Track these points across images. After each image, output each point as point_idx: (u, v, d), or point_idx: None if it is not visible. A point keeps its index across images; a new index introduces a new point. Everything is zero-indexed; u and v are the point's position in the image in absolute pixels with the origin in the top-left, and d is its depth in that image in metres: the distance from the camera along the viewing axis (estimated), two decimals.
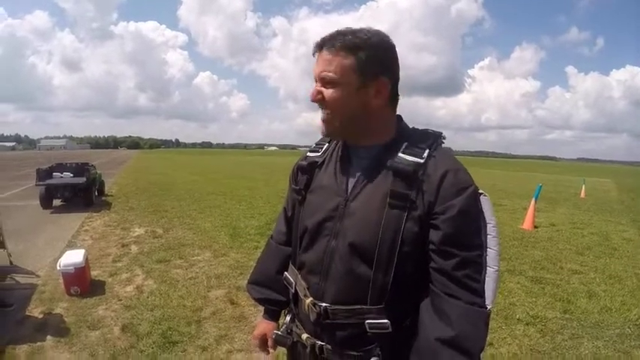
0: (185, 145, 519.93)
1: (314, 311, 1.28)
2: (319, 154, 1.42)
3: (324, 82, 1.20)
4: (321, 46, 1.20)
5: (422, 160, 1.17)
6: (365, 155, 1.28)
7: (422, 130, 1.31)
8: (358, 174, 1.26)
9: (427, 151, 1.19)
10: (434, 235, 1.14)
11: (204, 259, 6.35)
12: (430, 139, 1.24)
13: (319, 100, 1.22)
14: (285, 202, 1.60)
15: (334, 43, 1.17)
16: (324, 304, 1.26)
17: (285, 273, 1.47)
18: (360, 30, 1.18)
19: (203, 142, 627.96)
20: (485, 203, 1.21)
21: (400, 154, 1.19)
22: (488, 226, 1.20)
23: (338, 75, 1.17)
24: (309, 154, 1.45)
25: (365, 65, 1.17)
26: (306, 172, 1.40)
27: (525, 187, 21.91)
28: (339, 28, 1.21)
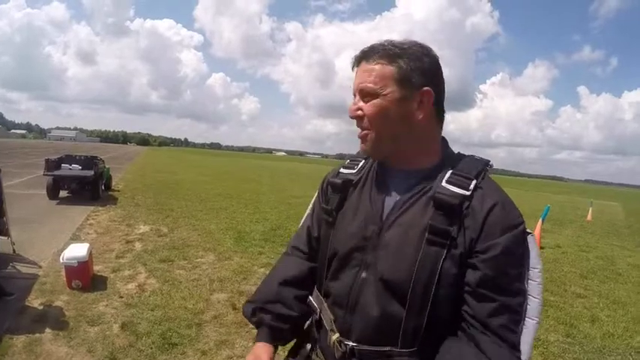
0: (194, 145, 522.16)
1: (339, 350, 1.15)
2: (354, 171, 1.29)
3: (363, 94, 1.11)
4: (360, 58, 1.13)
5: (468, 193, 1.06)
6: (405, 180, 1.16)
7: (469, 156, 1.18)
8: (396, 201, 1.14)
9: (474, 181, 1.08)
10: (471, 276, 1.02)
11: (207, 262, 6.33)
12: (478, 167, 1.12)
13: (358, 115, 1.13)
14: (310, 218, 1.42)
15: (373, 54, 1.10)
16: (350, 344, 1.12)
17: (310, 297, 1.31)
18: (402, 41, 1.12)
19: (212, 143, 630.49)
20: (532, 244, 1.10)
21: (444, 184, 1.08)
22: (534, 271, 1.08)
23: (378, 85, 1.08)
24: (342, 170, 1.32)
25: (406, 74, 1.08)
26: (339, 191, 1.26)
27: (532, 207, 21.80)
28: (378, 41, 1.13)
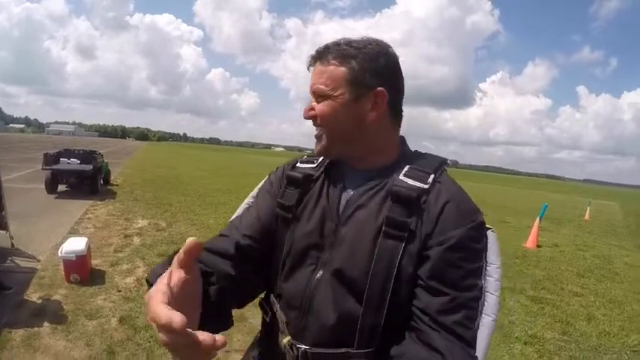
0: (193, 140, 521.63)
1: (291, 353, 1.08)
2: (314, 166, 1.23)
3: (316, 95, 1.09)
4: (314, 59, 1.11)
5: (426, 186, 1.02)
6: (361, 177, 1.12)
7: (427, 153, 1.16)
8: (351, 196, 1.10)
9: (432, 176, 1.05)
10: (423, 269, 0.97)
11: None
12: (435, 163, 1.10)
13: (311, 116, 1.10)
14: (254, 210, 1.25)
15: (327, 54, 1.08)
16: (303, 347, 1.06)
17: (262, 298, 1.25)
18: (357, 39, 1.08)
19: (211, 138, 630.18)
20: (492, 240, 1.07)
21: (402, 177, 1.05)
22: (492, 267, 1.05)
23: (329, 87, 1.06)
24: (300, 164, 1.26)
25: (358, 74, 1.05)
26: (298, 186, 1.19)
27: (530, 205, 21.84)
28: (335, 39, 1.10)
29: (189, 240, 0.71)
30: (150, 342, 3.57)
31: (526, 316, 5.05)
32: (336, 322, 1.02)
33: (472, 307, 0.96)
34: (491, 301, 1.03)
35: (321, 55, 1.09)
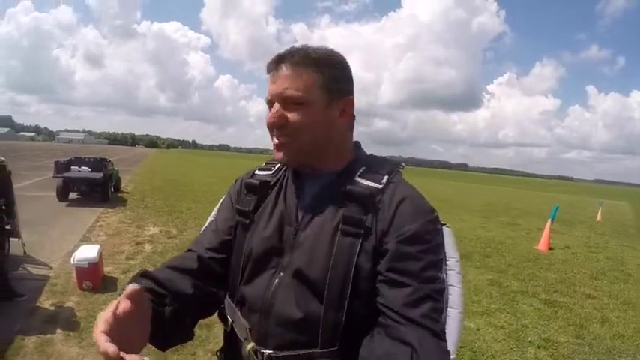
0: (202, 147, 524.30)
1: (255, 359, 1.06)
2: (270, 172, 1.24)
3: (286, 101, 1.04)
4: (279, 62, 1.06)
5: (380, 186, 1.05)
6: (318, 181, 1.13)
7: (381, 157, 1.19)
8: (309, 200, 1.12)
9: (386, 177, 1.07)
10: (382, 263, 0.98)
11: None
12: (389, 166, 1.13)
13: (280, 124, 1.05)
14: (213, 223, 1.30)
15: (297, 58, 1.04)
16: (267, 351, 1.04)
17: (223, 307, 1.22)
18: (319, 47, 1.08)
19: (220, 145, 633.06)
20: (448, 235, 1.09)
21: (357, 179, 1.07)
22: (451, 260, 1.07)
23: (303, 92, 1.03)
24: (258, 172, 1.27)
25: (330, 81, 1.05)
26: (255, 193, 1.20)
27: (540, 207, 21.70)
28: (294, 46, 1.09)
29: (130, 287, 0.81)
30: None
31: (539, 319, 5.01)
32: (298, 323, 1.01)
33: (437, 299, 0.95)
34: (455, 293, 1.04)
35: (288, 59, 1.05)
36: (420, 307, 0.91)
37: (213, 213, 1.37)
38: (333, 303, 0.98)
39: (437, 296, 0.95)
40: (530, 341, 4.33)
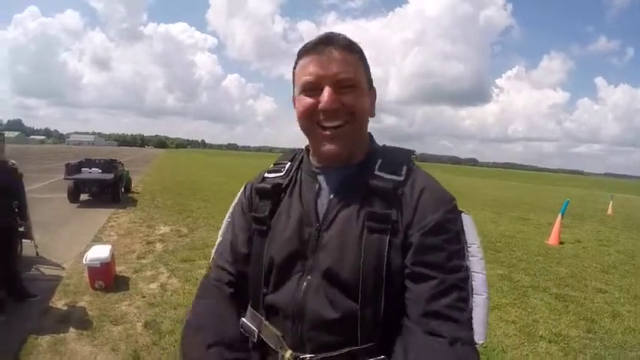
0: (211, 146, 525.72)
1: None
2: (281, 174, 1.20)
3: (339, 85, 1.01)
4: (325, 45, 1.02)
5: (401, 178, 1.04)
6: (335, 177, 1.10)
7: (394, 147, 1.17)
8: (330, 198, 1.08)
9: (405, 167, 1.06)
10: (407, 258, 0.98)
11: None
12: (405, 155, 1.12)
13: (338, 108, 1.01)
14: (230, 231, 1.25)
15: (342, 42, 1.02)
16: (308, 356, 1.01)
17: (243, 319, 1.14)
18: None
19: (229, 144, 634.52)
20: (468, 222, 1.07)
21: (376, 172, 1.05)
22: (473, 247, 1.04)
23: (356, 76, 1.02)
24: (267, 175, 1.22)
25: (368, 71, 1.08)
26: (268, 197, 1.16)
27: (551, 202, 21.55)
28: (327, 32, 1.06)
29: None
30: (175, 346, 3.60)
31: (550, 314, 5.00)
32: (334, 324, 0.99)
33: (462, 288, 0.96)
34: (479, 280, 1.02)
35: (335, 43, 1.03)
36: (446, 298, 0.93)
37: (226, 222, 1.32)
38: (369, 300, 0.97)
39: (462, 285, 0.96)
40: (541, 336, 4.32)
